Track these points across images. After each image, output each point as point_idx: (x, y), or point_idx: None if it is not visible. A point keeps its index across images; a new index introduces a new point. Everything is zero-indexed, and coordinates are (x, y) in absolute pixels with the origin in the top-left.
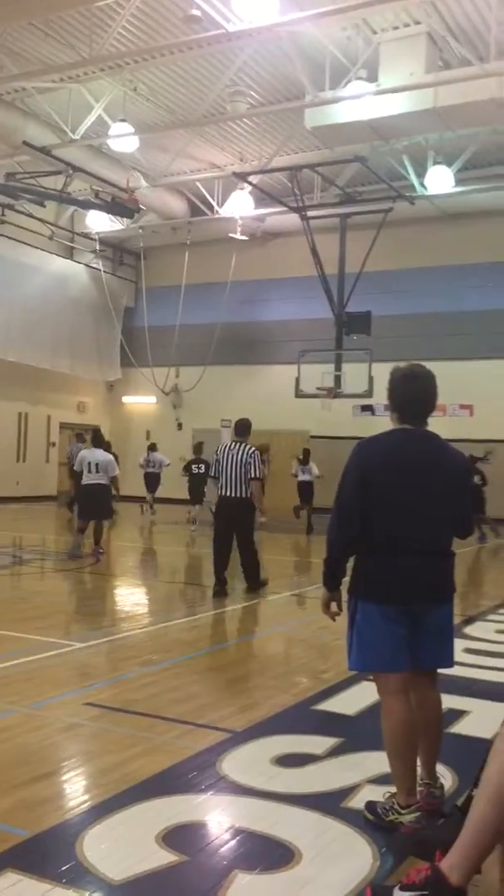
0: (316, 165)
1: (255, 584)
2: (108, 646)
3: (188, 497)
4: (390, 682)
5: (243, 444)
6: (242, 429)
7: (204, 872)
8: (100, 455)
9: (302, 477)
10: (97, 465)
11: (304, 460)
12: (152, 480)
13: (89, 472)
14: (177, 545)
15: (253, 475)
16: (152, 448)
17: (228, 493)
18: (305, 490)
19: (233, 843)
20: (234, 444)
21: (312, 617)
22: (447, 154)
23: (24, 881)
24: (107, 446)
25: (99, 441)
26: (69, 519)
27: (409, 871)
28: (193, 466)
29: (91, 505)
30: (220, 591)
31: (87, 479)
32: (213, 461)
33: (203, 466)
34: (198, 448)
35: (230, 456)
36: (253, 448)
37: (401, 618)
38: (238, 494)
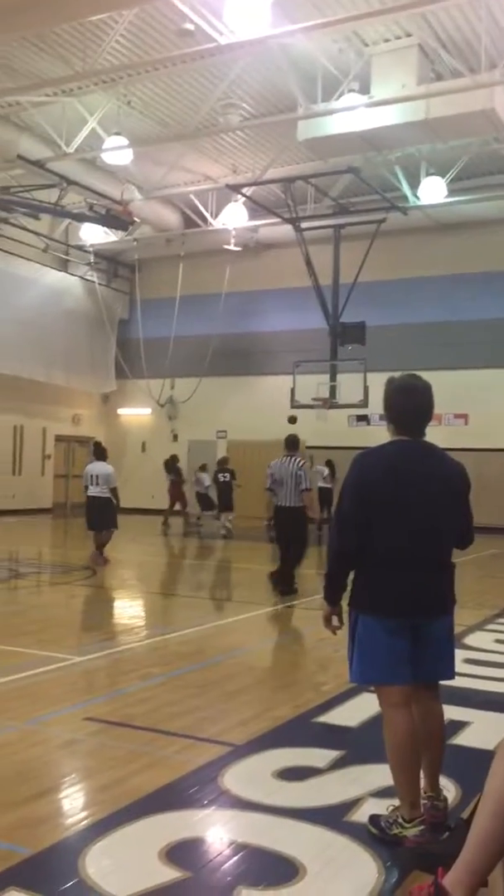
0: (309, 177)
1: (289, 589)
2: (106, 659)
3: (217, 505)
4: (392, 694)
5: (294, 458)
6: (291, 444)
7: (208, 889)
8: (100, 468)
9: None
10: (97, 477)
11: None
12: (204, 499)
13: (93, 484)
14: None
15: (304, 486)
16: (202, 469)
17: (284, 504)
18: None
19: (236, 858)
20: (285, 458)
21: (311, 629)
22: (440, 164)
23: None
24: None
25: (101, 453)
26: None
27: (412, 887)
28: (220, 476)
29: (96, 516)
30: (288, 591)
31: (90, 492)
32: (267, 475)
33: (228, 475)
34: (223, 460)
35: (283, 469)
36: (302, 461)
37: (402, 630)
38: (292, 504)
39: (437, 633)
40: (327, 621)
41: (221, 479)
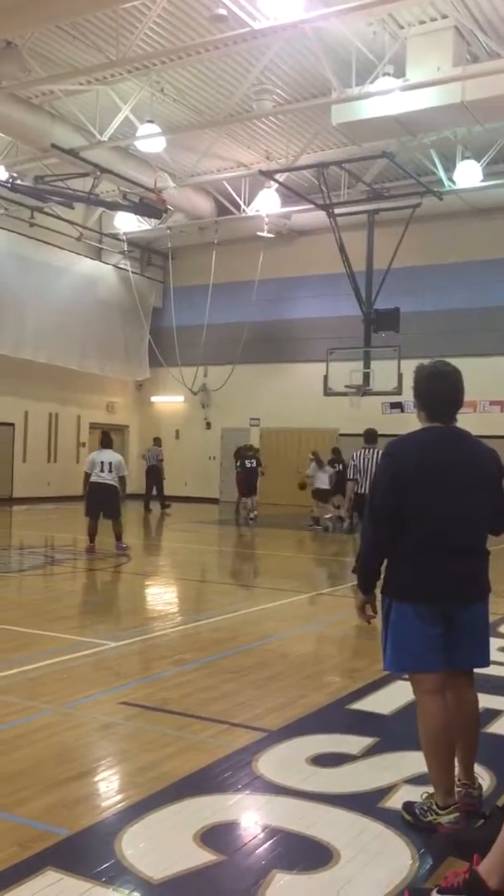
0: (343, 162)
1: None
2: (140, 645)
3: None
4: (426, 682)
5: (374, 449)
6: (371, 437)
7: (242, 872)
8: (110, 455)
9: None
10: (110, 464)
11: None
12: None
13: (101, 471)
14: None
15: None
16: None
17: (366, 491)
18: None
19: (270, 842)
20: (367, 450)
21: (344, 615)
22: (476, 148)
23: (65, 880)
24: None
25: (109, 442)
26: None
27: (447, 873)
28: (247, 462)
29: (98, 503)
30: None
31: (95, 478)
32: (350, 465)
33: (255, 462)
34: (248, 447)
35: (366, 460)
36: (381, 451)
37: (436, 618)
38: None
39: (471, 621)
40: (361, 610)
41: (248, 466)
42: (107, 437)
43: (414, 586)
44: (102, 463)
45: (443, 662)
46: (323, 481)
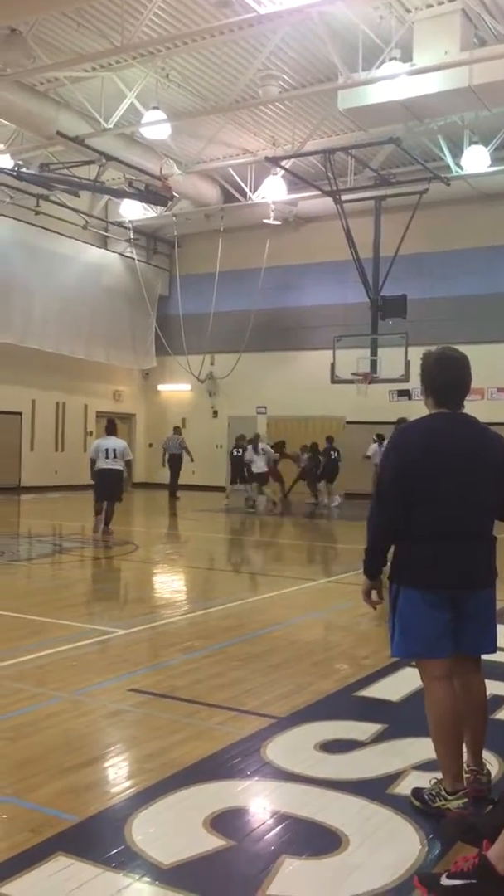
0: (349, 148)
1: None
2: (149, 632)
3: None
4: (433, 668)
5: None
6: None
7: (252, 857)
8: (114, 442)
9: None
10: (115, 450)
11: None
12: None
13: (106, 457)
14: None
15: None
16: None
17: None
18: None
19: (279, 828)
20: None
21: (351, 603)
22: (483, 133)
23: (75, 865)
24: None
25: (113, 429)
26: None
27: (457, 859)
28: (234, 451)
29: (109, 487)
30: None
31: (102, 464)
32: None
33: (242, 451)
34: (241, 438)
35: None
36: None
37: (443, 603)
38: None
39: (478, 607)
40: (367, 596)
41: (235, 455)
42: (111, 424)
43: (421, 572)
44: (108, 450)
45: (450, 648)
46: (259, 465)
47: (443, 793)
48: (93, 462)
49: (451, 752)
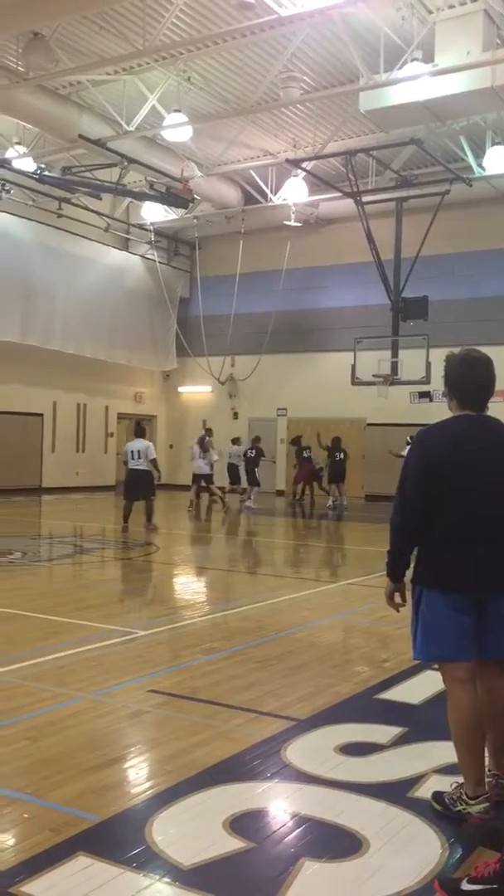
0: (371, 149)
1: None
2: (169, 633)
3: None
4: (456, 671)
5: None
6: None
7: (272, 859)
8: (139, 444)
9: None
10: (138, 451)
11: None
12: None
13: (132, 458)
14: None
15: None
16: (234, 442)
17: None
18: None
19: (300, 830)
20: None
21: (371, 606)
22: None
23: (96, 865)
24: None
25: (141, 431)
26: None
27: (478, 864)
28: (248, 451)
29: (137, 487)
30: None
31: (130, 465)
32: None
33: (255, 451)
34: (257, 439)
35: None
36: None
37: (466, 606)
38: None
39: (502, 609)
40: (390, 598)
41: (249, 456)
42: (139, 426)
43: (444, 574)
44: (132, 451)
45: (473, 652)
46: (202, 468)
47: (464, 797)
48: (125, 463)
49: (473, 757)
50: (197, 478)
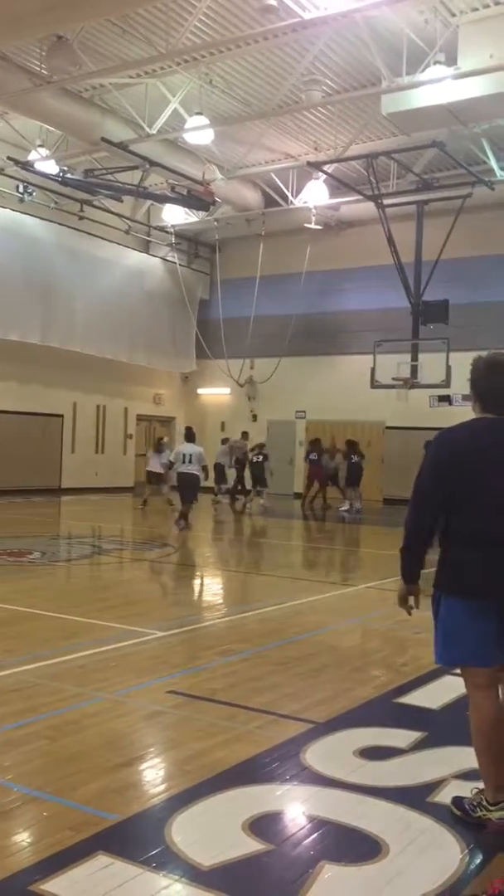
0: (392, 152)
1: None
2: (188, 635)
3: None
4: (476, 676)
5: None
6: None
7: (291, 861)
8: (192, 448)
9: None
10: (191, 456)
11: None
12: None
13: (184, 462)
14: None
15: None
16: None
17: None
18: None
19: (318, 833)
20: None
21: (388, 610)
22: None
23: (116, 864)
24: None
25: (192, 436)
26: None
27: (495, 881)
28: (253, 457)
29: (191, 488)
30: None
31: (181, 469)
32: None
33: (262, 457)
34: (261, 445)
35: None
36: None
37: (486, 612)
38: None
39: None
40: (402, 601)
41: (255, 460)
42: (190, 431)
43: (463, 579)
44: (184, 455)
45: (495, 657)
46: (155, 466)
47: (484, 803)
48: (170, 465)
49: (494, 762)
50: (150, 475)
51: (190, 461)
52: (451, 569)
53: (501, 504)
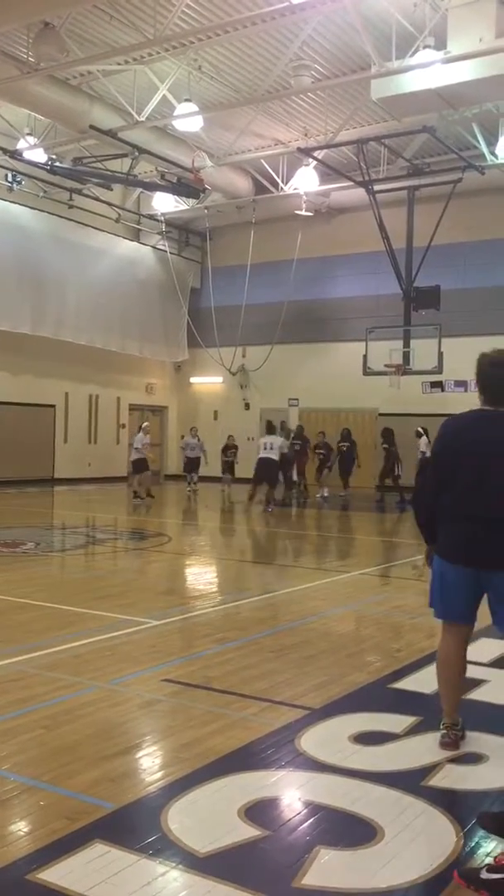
0: (383, 137)
1: None
2: (183, 623)
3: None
4: (451, 626)
5: None
6: None
7: (287, 847)
8: (275, 439)
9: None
10: (271, 444)
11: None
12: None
13: (265, 449)
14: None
15: None
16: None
17: None
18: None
19: (314, 819)
20: None
21: (383, 596)
22: None
23: (112, 852)
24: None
25: (272, 429)
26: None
27: (498, 855)
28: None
29: (261, 472)
30: None
31: (263, 454)
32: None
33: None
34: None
35: None
36: None
37: (465, 578)
38: None
39: (499, 587)
40: (428, 559)
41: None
42: (270, 424)
43: (447, 547)
44: (266, 444)
45: (466, 618)
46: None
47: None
48: (259, 448)
49: (448, 693)
50: (135, 464)
51: (271, 448)
52: (440, 536)
53: (480, 484)
